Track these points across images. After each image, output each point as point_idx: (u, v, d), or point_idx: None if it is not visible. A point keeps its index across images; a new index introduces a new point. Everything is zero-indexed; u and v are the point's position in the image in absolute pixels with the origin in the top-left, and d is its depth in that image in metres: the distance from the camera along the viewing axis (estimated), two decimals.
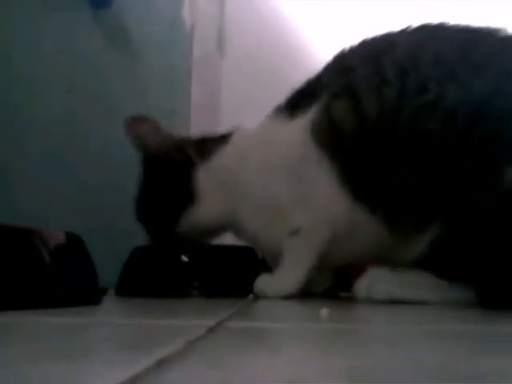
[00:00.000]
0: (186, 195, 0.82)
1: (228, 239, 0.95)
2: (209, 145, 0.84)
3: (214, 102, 1.57)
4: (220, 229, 0.86)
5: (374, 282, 0.71)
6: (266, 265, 0.84)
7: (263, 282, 0.78)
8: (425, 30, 0.74)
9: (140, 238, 0.86)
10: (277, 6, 1.61)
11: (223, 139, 0.84)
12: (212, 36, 1.59)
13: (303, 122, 0.76)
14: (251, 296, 0.78)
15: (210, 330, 0.37)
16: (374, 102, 0.70)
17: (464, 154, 0.66)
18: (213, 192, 0.82)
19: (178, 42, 1.45)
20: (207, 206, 0.82)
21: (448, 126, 0.66)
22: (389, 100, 0.69)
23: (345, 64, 0.76)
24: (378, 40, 0.75)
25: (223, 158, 0.83)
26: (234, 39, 1.60)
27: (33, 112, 0.98)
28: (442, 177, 0.66)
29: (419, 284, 0.68)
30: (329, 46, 1.49)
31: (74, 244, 0.63)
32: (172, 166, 0.84)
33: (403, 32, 0.74)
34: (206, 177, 0.82)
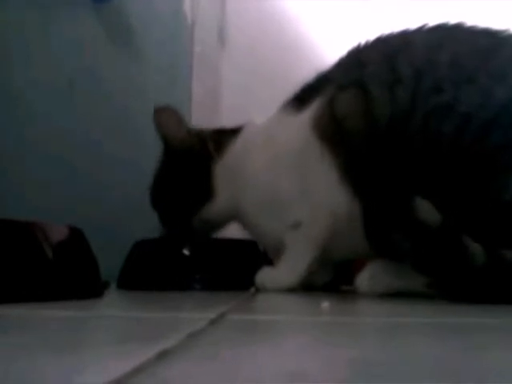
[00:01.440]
0: (205, 190, 0.83)
1: (231, 233, 0.96)
2: (223, 139, 0.85)
3: (214, 97, 1.56)
4: (229, 221, 0.87)
5: (376, 275, 0.71)
6: (267, 258, 0.84)
7: (265, 275, 0.78)
8: (442, 30, 0.72)
9: (142, 232, 0.86)
10: (277, 1, 1.61)
11: (234, 134, 0.85)
12: (213, 32, 1.59)
13: (306, 116, 0.76)
14: (253, 289, 0.78)
15: (212, 323, 0.37)
16: (385, 101, 0.69)
17: (473, 159, 0.64)
18: (226, 187, 0.82)
19: (179, 38, 1.45)
20: (221, 202, 0.83)
21: (461, 130, 0.65)
22: (401, 100, 0.68)
23: (358, 59, 0.75)
24: (394, 37, 0.74)
25: (233, 153, 0.84)
26: (234, 35, 1.60)
27: (33, 109, 0.98)
28: (448, 180, 0.66)
29: (420, 276, 0.68)
30: (330, 40, 1.50)
31: (76, 238, 0.63)
32: (193, 160, 0.85)
33: (420, 31, 0.73)
34: (221, 172, 0.83)
